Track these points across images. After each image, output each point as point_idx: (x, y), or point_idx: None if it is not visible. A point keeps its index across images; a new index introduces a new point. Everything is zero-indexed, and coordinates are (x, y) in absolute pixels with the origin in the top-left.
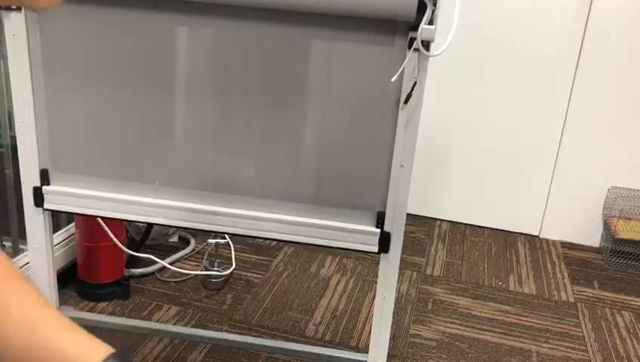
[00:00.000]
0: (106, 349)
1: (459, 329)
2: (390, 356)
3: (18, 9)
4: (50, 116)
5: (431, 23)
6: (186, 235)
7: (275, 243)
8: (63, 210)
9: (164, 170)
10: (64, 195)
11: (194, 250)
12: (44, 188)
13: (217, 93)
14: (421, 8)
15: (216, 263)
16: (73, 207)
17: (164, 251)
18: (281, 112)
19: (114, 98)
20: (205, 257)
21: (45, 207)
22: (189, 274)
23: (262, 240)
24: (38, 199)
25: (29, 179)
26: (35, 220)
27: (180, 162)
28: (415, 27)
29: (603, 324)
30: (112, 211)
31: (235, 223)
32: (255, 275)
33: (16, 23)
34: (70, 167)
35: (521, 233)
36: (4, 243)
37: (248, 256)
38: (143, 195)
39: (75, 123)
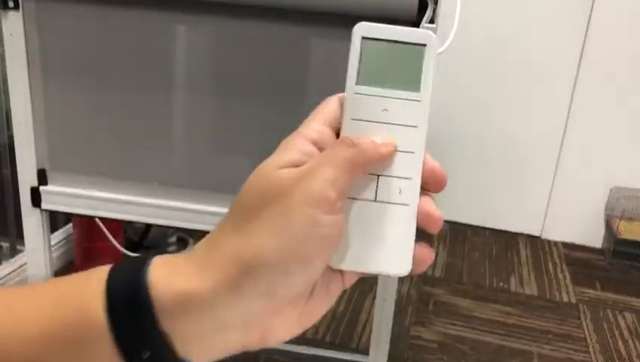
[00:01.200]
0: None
1: (460, 331)
2: (391, 358)
3: (15, 8)
4: (48, 115)
5: (432, 21)
6: (184, 236)
7: None
8: (61, 210)
9: (163, 170)
10: (62, 195)
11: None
12: (42, 188)
13: (216, 92)
14: (422, 7)
15: None
16: (71, 207)
17: (163, 252)
18: (280, 112)
19: (112, 97)
20: None
21: (43, 207)
22: None
23: None
24: (36, 199)
25: (26, 179)
26: (32, 220)
27: (179, 162)
28: (416, 26)
29: (605, 325)
30: (110, 211)
31: None
32: None
33: (13, 22)
34: (68, 166)
35: (523, 234)
36: (1, 243)
37: None
38: (142, 195)
39: (73, 122)
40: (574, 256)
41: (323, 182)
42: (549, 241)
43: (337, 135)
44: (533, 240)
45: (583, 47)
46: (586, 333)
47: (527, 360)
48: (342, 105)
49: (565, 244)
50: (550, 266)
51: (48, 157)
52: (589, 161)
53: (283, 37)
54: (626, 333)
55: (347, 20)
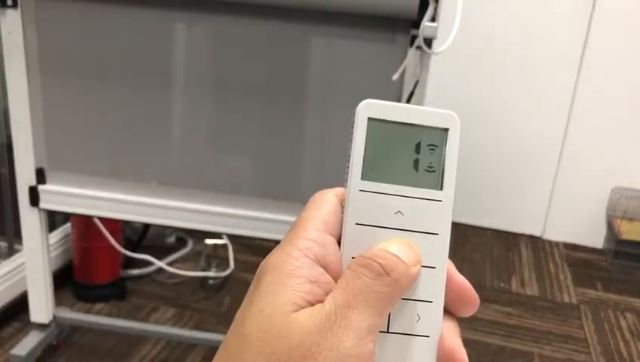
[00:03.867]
0: None
1: (460, 332)
2: None
3: (14, 6)
4: (46, 114)
5: (433, 20)
6: (183, 236)
7: (274, 243)
8: (59, 209)
9: (162, 169)
10: (60, 195)
11: (192, 250)
12: (40, 187)
13: (216, 91)
14: (423, 5)
15: (214, 264)
16: (69, 207)
17: (162, 252)
18: (280, 111)
19: (111, 96)
20: (203, 258)
21: (41, 206)
22: (187, 275)
23: (261, 240)
24: (34, 198)
25: (24, 178)
26: (30, 220)
27: (178, 161)
28: (417, 24)
29: (606, 326)
30: (108, 211)
31: (233, 223)
32: (254, 276)
33: (12, 21)
34: (66, 165)
35: (524, 234)
36: None
37: (247, 256)
38: (140, 195)
39: (71, 121)
40: (575, 256)
41: (358, 333)
42: (550, 242)
43: (338, 242)
44: (534, 241)
45: (584, 47)
46: (587, 334)
47: (528, 361)
48: (342, 203)
49: (566, 245)
50: (551, 267)
51: (47, 157)
52: (590, 161)
53: (283, 35)
54: (627, 334)
55: (348, 19)
